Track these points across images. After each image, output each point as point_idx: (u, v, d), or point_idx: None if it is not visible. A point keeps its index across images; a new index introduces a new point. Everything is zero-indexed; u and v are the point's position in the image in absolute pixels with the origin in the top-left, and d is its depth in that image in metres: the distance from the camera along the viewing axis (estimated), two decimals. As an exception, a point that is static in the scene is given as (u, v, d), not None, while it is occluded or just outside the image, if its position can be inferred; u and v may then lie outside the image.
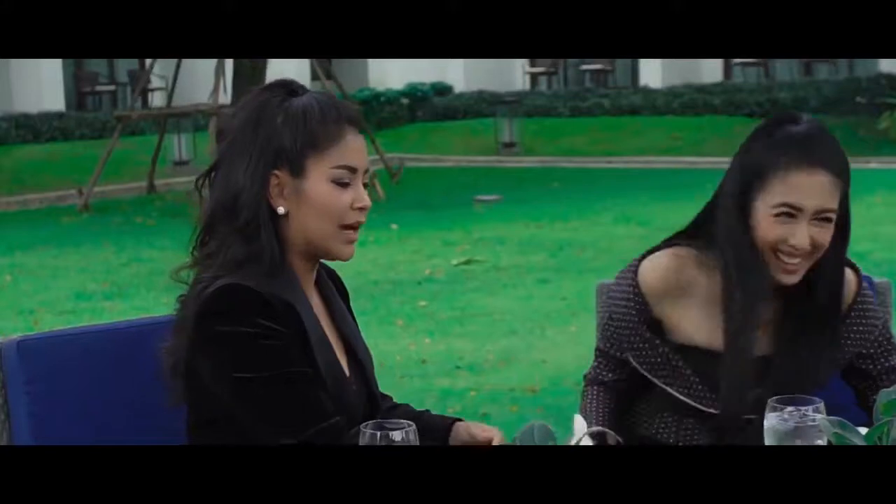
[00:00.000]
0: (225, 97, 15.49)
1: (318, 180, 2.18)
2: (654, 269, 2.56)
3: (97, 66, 23.96)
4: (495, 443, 2.26)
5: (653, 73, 23.84)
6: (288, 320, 2.14)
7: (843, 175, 2.43)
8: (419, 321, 8.22)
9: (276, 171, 2.17)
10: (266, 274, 2.14)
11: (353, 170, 2.20)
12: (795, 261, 2.44)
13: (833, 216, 2.43)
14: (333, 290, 2.37)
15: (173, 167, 18.13)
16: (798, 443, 1.94)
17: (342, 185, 2.19)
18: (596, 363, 2.72)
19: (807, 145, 2.42)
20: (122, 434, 2.37)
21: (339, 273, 2.43)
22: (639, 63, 24.34)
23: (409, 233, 12.11)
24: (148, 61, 18.74)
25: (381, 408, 2.37)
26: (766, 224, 2.43)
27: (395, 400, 2.50)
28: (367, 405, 2.33)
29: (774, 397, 2.03)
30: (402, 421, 1.95)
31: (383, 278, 9.73)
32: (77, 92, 23.44)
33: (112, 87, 24.06)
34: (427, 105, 23.20)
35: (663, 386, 2.57)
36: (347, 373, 2.29)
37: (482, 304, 8.68)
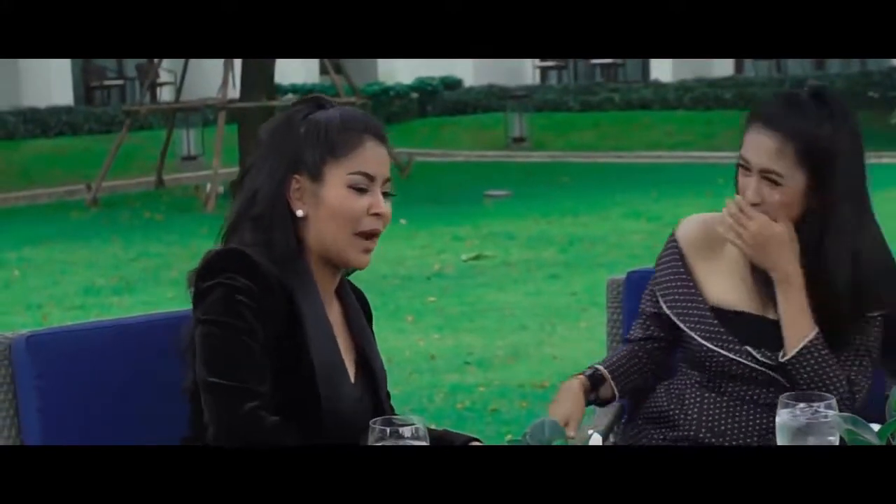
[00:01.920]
0: (233, 91, 15.49)
1: (335, 185, 2.25)
2: (689, 222, 2.73)
3: (105, 60, 23.97)
4: None
5: (663, 67, 23.80)
6: (274, 293, 2.18)
7: (794, 139, 2.48)
8: (428, 316, 8.22)
9: (296, 176, 2.25)
10: (274, 259, 2.20)
11: (370, 177, 2.27)
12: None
13: (779, 178, 2.49)
14: (357, 306, 2.41)
15: (182, 162, 18.15)
16: (810, 439, 1.94)
17: (359, 190, 2.26)
18: (633, 325, 2.80)
19: (763, 107, 2.57)
20: (130, 429, 2.37)
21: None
22: (649, 57, 24.31)
23: (419, 228, 12.11)
24: (156, 55, 18.75)
25: None
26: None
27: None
28: (373, 417, 2.33)
29: (786, 393, 2.03)
30: (413, 417, 1.96)
31: (392, 273, 9.73)
32: (85, 86, 23.47)
33: (120, 82, 24.10)
34: (436, 100, 23.20)
35: (690, 332, 2.63)
36: (353, 380, 2.31)
37: (492, 300, 8.68)
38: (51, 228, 13.19)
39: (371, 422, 1.96)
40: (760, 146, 2.50)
